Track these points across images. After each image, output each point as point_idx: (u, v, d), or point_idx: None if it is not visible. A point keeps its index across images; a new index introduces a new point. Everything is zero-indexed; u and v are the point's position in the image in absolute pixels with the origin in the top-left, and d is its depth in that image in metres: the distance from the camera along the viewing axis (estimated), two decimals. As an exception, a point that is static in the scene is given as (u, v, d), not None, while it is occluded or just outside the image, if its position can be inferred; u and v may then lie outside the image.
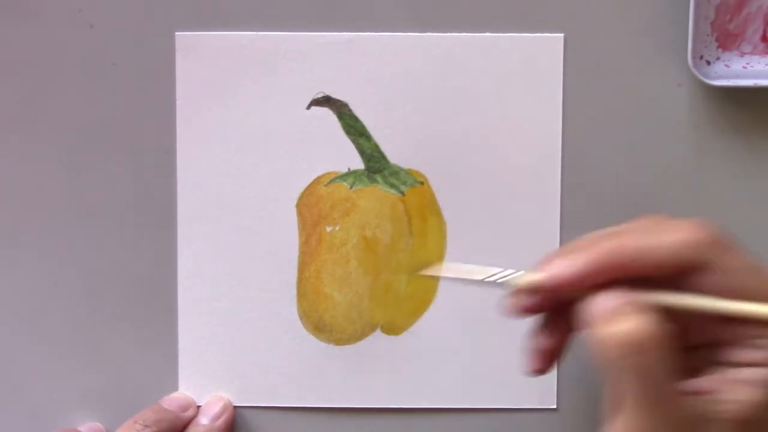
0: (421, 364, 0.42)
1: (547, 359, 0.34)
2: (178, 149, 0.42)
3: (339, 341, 0.42)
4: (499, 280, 0.33)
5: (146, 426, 0.40)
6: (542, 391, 0.42)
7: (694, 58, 0.40)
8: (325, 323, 0.42)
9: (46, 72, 0.41)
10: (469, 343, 0.42)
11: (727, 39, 0.41)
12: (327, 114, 0.42)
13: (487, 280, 0.34)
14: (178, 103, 0.41)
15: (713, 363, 0.32)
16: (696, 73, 0.40)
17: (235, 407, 0.42)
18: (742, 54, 0.42)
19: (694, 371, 0.32)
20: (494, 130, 0.41)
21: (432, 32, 0.41)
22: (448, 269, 0.38)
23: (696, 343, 0.33)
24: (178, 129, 0.42)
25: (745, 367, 0.32)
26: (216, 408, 0.42)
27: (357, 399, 0.42)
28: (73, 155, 0.42)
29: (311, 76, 0.41)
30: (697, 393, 0.32)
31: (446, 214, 0.42)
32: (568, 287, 0.31)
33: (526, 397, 0.42)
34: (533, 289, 0.32)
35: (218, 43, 0.41)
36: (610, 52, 0.41)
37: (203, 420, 0.41)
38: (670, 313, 0.32)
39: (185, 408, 0.42)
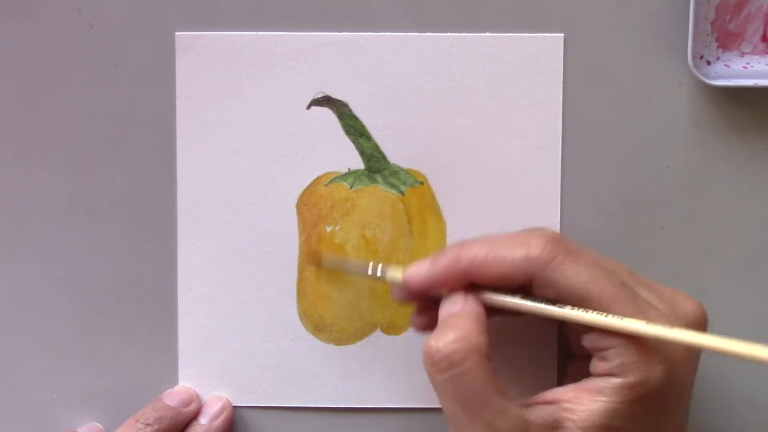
0: (421, 364, 0.42)
1: (425, 329, 0.38)
2: (178, 149, 0.42)
3: (339, 341, 0.42)
4: (371, 273, 0.38)
5: (147, 425, 0.40)
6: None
7: (694, 58, 0.40)
8: (325, 323, 0.42)
9: (46, 72, 0.41)
10: (469, 343, 0.42)
11: (727, 39, 0.41)
12: (327, 114, 0.42)
13: (361, 272, 0.39)
14: (177, 103, 0.41)
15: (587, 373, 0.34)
16: (696, 73, 0.40)
17: (234, 407, 0.42)
18: (742, 54, 0.42)
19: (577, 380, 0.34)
20: (494, 130, 0.41)
21: (432, 32, 0.41)
22: (331, 261, 0.41)
23: (579, 355, 0.36)
24: (178, 129, 0.42)
25: (599, 377, 0.33)
26: (215, 408, 0.42)
27: (357, 399, 0.42)
28: (73, 155, 0.42)
29: (311, 76, 0.41)
30: (550, 402, 0.34)
31: (446, 214, 0.42)
32: (424, 289, 0.36)
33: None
34: (403, 286, 0.37)
35: (218, 43, 0.41)
36: (610, 52, 0.41)
37: (202, 420, 0.41)
38: (561, 325, 0.35)
39: (187, 402, 0.42)
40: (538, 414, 0.33)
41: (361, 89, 0.41)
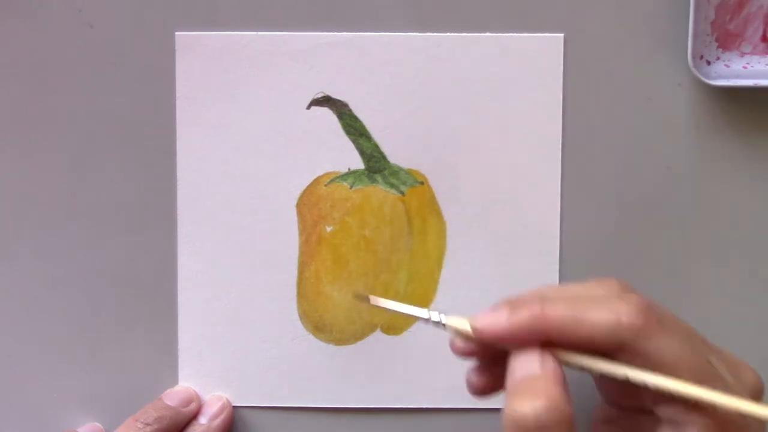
0: (421, 364, 0.42)
1: (483, 393, 0.35)
2: (178, 149, 0.42)
3: (339, 341, 0.42)
4: (428, 319, 0.34)
5: (147, 424, 0.40)
6: None
7: (694, 58, 0.40)
8: (325, 323, 0.42)
9: (46, 72, 0.41)
10: (469, 343, 0.42)
11: (727, 39, 0.41)
12: (327, 114, 0.42)
13: (421, 318, 0.34)
14: (178, 103, 0.41)
15: None
16: (696, 73, 0.40)
17: (234, 407, 0.42)
18: (742, 54, 0.42)
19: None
20: (494, 130, 0.41)
21: (432, 32, 0.41)
22: (385, 302, 0.36)
23: (630, 407, 0.34)
24: (178, 129, 0.42)
25: None
26: (214, 408, 0.42)
27: (357, 399, 0.42)
28: (73, 155, 0.42)
29: (311, 76, 0.41)
30: None
31: (446, 214, 0.42)
32: (497, 340, 0.33)
33: None
34: (464, 337, 0.33)
35: (218, 43, 0.41)
36: (610, 52, 0.41)
37: (202, 419, 0.41)
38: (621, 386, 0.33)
39: (187, 402, 0.42)
40: None
41: (361, 89, 0.41)
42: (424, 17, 0.41)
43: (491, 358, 0.34)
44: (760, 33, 0.41)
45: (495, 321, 0.32)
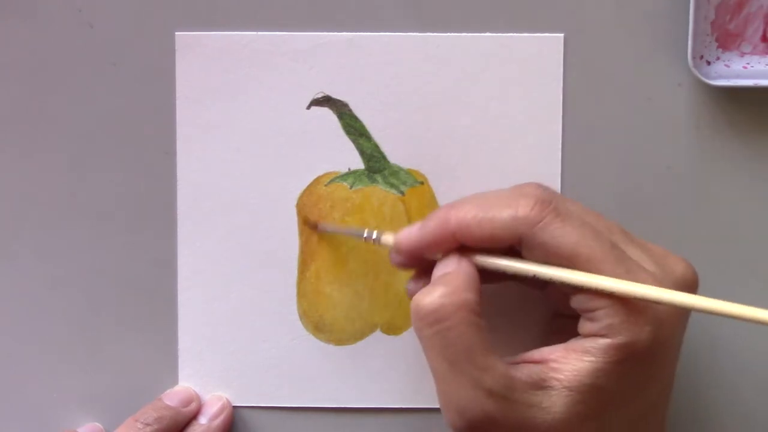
0: (421, 364, 0.42)
1: None
2: (178, 149, 0.42)
3: (339, 341, 0.42)
4: (365, 237, 0.38)
5: (147, 425, 0.40)
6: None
7: (694, 58, 0.40)
8: (325, 323, 0.42)
9: (46, 72, 0.41)
10: (469, 343, 0.42)
11: (727, 39, 0.41)
12: (327, 114, 0.42)
13: (356, 235, 0.39)
14: (178, 103, 0.41)
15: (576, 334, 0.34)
16: (696, 73, 0.40)
17: (234, 407, 0.42)
18: (742, 54, 0.42)
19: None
20: (494, 130, 0.41)
21: (432, 32, 0.41)
22: (329, 226, 0.41)
23: (565, 314, 0.36)
24: (178, 129, 0.42)
25: (587, 337, 0.33)
26: (214, 408, 0.42)
27: (357, 399, 0.42)
28: (73, 155, 0.42)
29: (311, 76, 0.41)
30: (537, 361, 0.34)
31: (446, 214, 0.42)
32: (416, 251, 0.36)
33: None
34: (395, 250, 0.37)
35: (218, 43, 0.41)
36: (610, 52, 0.41)
37: (202, 419, 0.41)
38: (545, 285, 0.35)
39: (187, 402, 0.41)
40: (525, 372, 0.33)
41: (361, 89, 0.41)
42: (424, 17, 0.41)
43: (426, 269, 0.36)
44: (760, 33, 0.41)
45: (409, 234, 0.36)
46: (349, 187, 0.42)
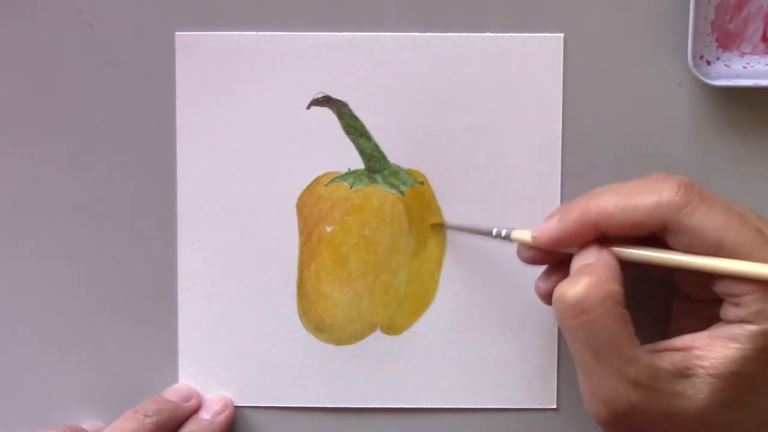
0: (421, 364, 0.42)
1: (550, 297, 0.36)
2: (178, 149, 0.42)
3: (339, 341, 0.42)
4: (496, 235, 0.38)
5: (147, 416, 0.39)
6: (542, 391, 0.42)
7: (694, 58, 0.40)
8: (325, 323, 0.42)
9: (46, 72, 0.41)
10: (469, 343, 0.42)
11: (727, 39, 0.41)
12: (327, 114, 0.42)
13: (486, 234, 0.39)
14: (178, 103, 0.41)
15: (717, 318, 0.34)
16: (696, 73, 0.40)
17: (235, 407, 0.42)
18: (742, 54, 0.42)
19: (706, 323, 0.34)
20: (494, 130, 0.41)
21: (432, 32, 0.41)
22: (455, 225, 0.41)
23: (707, 299, 0.35)
24: (178, 129, 0.42)
25: (732, 323, 0.33)
26: (217, 405, 0.42)
27: (357, 399, 0.42)
28: (73, 155, 0.42)
29: (311, 76, 0.41)
30: (680, 349, 0.33)
31: (446, 214, 0.42)
32: (555, 245, 0.35)
33: (526, 397, 0.42)
34: (529, 246, 0.36)
35: (218, 43, 0.41)
36: (610, 52, 0.41)
37: (205, 415, 0.42)
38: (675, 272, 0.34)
39: (187, 398, 0.42)
40: (669, 360, 0.33)
41: (361, 89, 0.41)
42: (424, 17, 0.41)
43: (556, 265, 0.37)
44: (760, 33, 0.41)
45: (548, 227, 0.35)
46: (349, 187, 0.42)
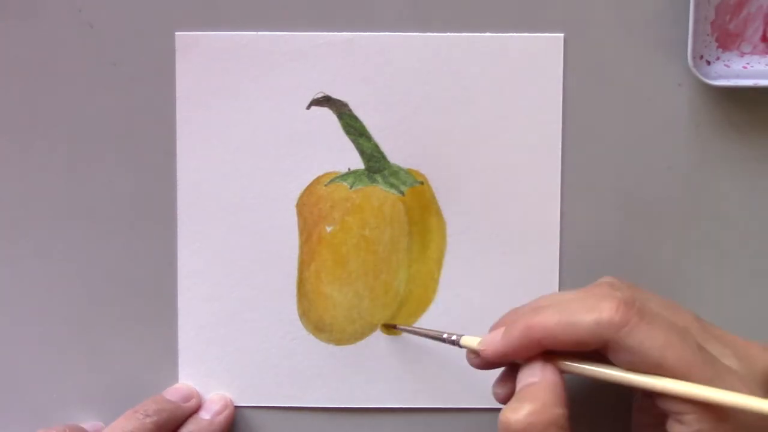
0: (421, 364, 0.42)
1: (507, 400, 0.36)
2: (178, 149, 0.42)
3: (339, 341, 0.42)
4: (444, 338, 0.38)
5: (147, 415, 0.40)
6: None
7: (694, 58, 0.40)
8: (325, 323, 0.42)
9: (46, 72, 0.42)
10: (469, 343, 0.42)
11: (727, 39, 0.41)
12: (327, 114, 0.42)
13: (437, 338, 0.39)
14: (178, 103, 0.41)
15: None
16: (696, 73, 0.40)
17: (235, 407, 0.42)
18: (742, 54, 0.42)
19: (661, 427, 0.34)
20: (494, 130, 0.41)
21: (432, 32, 0.41)
22: (405, 328, 0.42)
23: (658, 412, 0.35)
24: (178, 129, 0.42)
25: None
26: (217, 405, 0.42)
27: (357, 399, 0.42)
28: (73, 155, 0.42)
29: (311, 76, 0.41)
30: None
31: (446, 214, 0.42)
32: (500, 359, 0.35)
33: None
34: (476, 354, 0.36)
35: (218, 43, 0.41)
36: (610, 52, 0.41)
37: (204, 415, 0.42)
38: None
39: (187, 398, 0.42)
40: None
41: (361, 89, 0.41)
42: (424, 17, 0.41)
43: (509, 370, 0.37)
44: (760, 33, 0.41)
45: (492, 341, 0.35)
46: (349, 187, 0.42)
